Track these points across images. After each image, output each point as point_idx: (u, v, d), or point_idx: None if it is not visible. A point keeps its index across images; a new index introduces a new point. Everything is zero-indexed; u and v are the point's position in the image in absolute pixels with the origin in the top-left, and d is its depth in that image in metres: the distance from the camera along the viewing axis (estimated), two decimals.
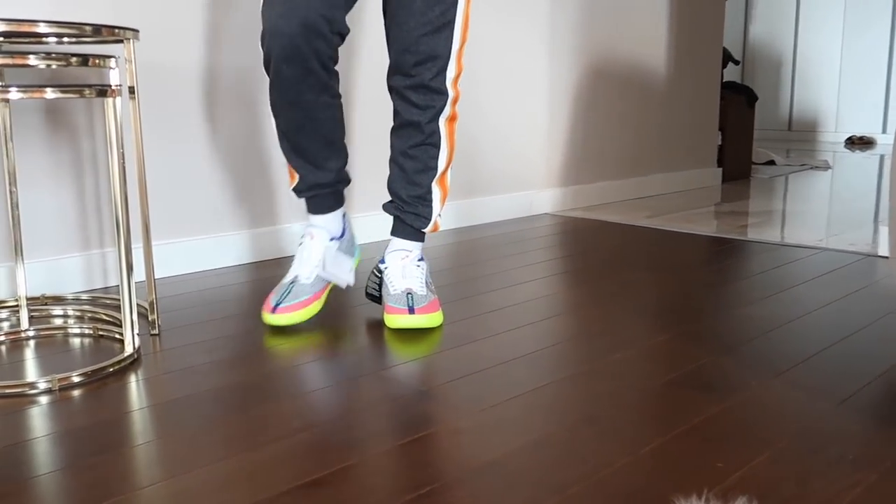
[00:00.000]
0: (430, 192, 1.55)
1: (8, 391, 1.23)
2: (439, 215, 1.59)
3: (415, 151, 1.52)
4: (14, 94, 1.20)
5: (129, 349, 1.37)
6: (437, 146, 1.52)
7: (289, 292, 1.48)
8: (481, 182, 2.74)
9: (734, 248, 2.33)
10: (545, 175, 2.95)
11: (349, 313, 1.65)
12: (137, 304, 1.59)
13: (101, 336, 1.50)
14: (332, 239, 1.52)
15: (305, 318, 1.50)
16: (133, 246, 1.47)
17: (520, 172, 2.84)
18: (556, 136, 2.96)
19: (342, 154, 1.49)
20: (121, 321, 1.53)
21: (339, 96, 1.46)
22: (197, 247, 2.03)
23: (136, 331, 1.40)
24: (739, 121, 3.91)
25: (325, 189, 1.50)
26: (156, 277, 1.66)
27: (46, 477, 0.97)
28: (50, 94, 1.22)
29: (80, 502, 0.91)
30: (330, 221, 1.53)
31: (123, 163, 1.35)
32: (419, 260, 1.57)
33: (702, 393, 1.23)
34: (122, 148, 1.35)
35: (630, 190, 3.31)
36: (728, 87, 3.97)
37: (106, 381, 1.29)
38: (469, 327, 1.55)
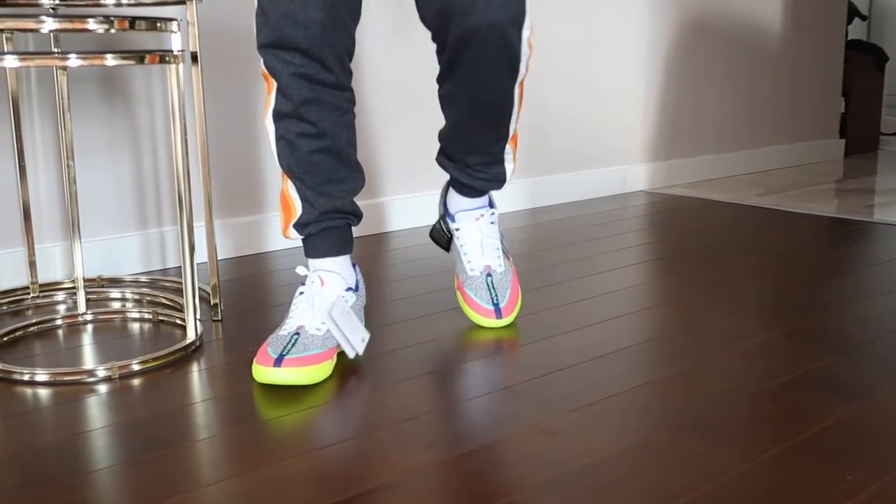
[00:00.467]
0: (501, 152, 1.42)
1: (66, 378, 1.27)
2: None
3: (488, 96, 1.35)
4: (73, 62, 1.23)
5: (190, 336, 1.41)
6: (510, 115, 1.37)
7: (293, 343, 1.24)
8: (565, 156, 2.71)
9: (858, 231, 2.26)
10: (640, 148, 2.90)
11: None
12: (199, 288, 1.62)
13: (161, 321, 1.54)
14: (348, 289, 1.33)
15: (319, 379, 1.24)
16: (194, 224, 1.50)
17: (611, 145, 2.79)
18: (653, 103, 2.90)
19: (359, 174, 1.34)
20: (181, 305, 1.56)
21: (355, 101, 1.36)
22: (263, 225, 2.06)
23: (198, 316, 1.43)
24: (866, 85, 3.78)
25: (336, 220, 1.33)
26: (218, 259, 1.70)
27: (106, 472, 1.00)
28: (110, 60, 1.24)
29: (141, 500, 0.93)
30: (343, 266, 1.35)
31: (185, 134, 1.38)
32: (492, 213, 1.50)
33: (825, 395, 1.19)
34: (184, 119, 1.37)
35: (738, 164, 3.23)
36: (853, 47, 3.83)
37: (167, 369, 1.32)
38: (556, 318, 1.54)
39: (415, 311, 1.58)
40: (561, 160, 2.67)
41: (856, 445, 1.05)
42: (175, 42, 1.35)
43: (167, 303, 1.63)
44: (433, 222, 1.61)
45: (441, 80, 1.34)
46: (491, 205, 1.53)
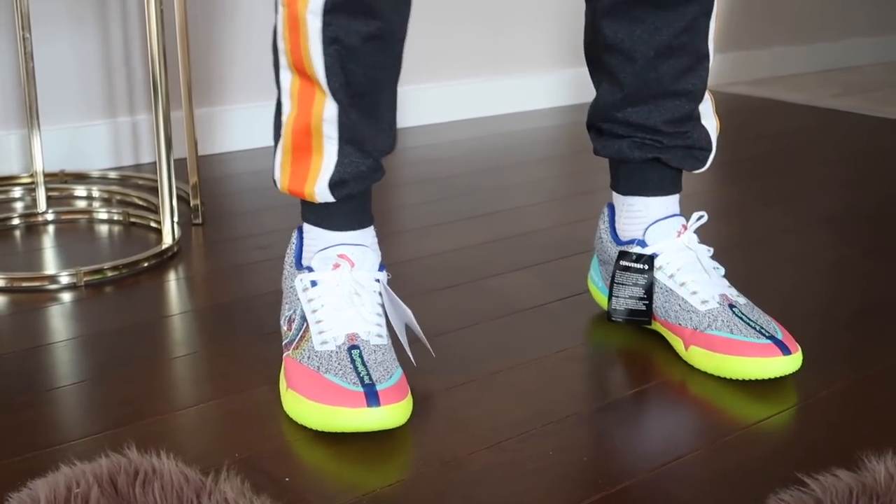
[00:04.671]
0: (702, 92, 1.14)
1: (25, 284, 1.29)
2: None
3: (684, 38, 1.09)
4: None
5: (167, 240, 1.41)
6: (711, 9, 1.11)
7: (364, 363, 0.96)
8: None
9: None
10: None
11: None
12: (177, 187, 1.63)
13: (134, 223, 1.55)
14: (381, 268, 1.07)
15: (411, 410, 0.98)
16: (171, 113, 1.49)
17: None
18: None
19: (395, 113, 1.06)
20: (157, 206, 1.57)
21: None
22: (250, 116, 2.05)
23: (175, 219, 1.44)
24: None
25: (370, 180, 1.04)
26: (199, 154, 1.70)
27: (71, 388, 1.02)
28: None
29: (111, 421, 0.95)
30: (372, 238, 1.08)
31: (161, 6, 1.36)
32: (698, 218, 1.17)
33: None
34: None
35: (813, 59, 3.18)
36: None
37: (140, 277, 1.33)
38: (589, 232, 1.54)
39: (422, 220, 1.59)
40: None
41: None
42: None
43: (140, 203, 1.64)
44: (600, 299, 1.23)
45: None
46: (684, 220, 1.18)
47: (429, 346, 1.07)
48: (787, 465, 0.89)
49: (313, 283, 1.03)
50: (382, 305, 1.03)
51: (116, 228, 1.54)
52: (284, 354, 1.02)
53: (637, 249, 1.14)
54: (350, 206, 1.04)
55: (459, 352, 1.11)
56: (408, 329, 1.07)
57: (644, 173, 1.14)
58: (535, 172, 1.90)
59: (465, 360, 1.09)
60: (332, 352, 0.97)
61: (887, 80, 3.00)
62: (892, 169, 1.96)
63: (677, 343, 1.10)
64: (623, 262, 1.14)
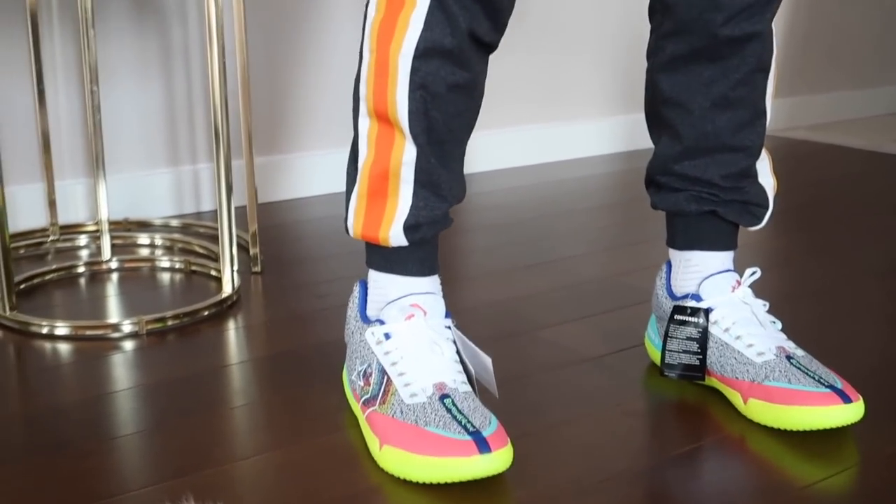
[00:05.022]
0: (759, 148, 1.14)
1: (88, 332, 1.32)
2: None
3: (740, 91, 1.10)
4: None
5: (227, 289, 1.44)
6: (769, 66, 1.12)
7: (461, 412, 0.96)
8: None
9: None
10: None
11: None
12: (237, 235, 1.66)
13: (194, 272, 1.58)
14: (448, 315, 1.07)
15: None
16: (232, 162, 1.52)
17: None
18: (778, 24, 2.83)
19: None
20: (217, 254, 1.60)
21: None
22: (311, 165, 2.08)
23: (235, 267, 1.46)
24: None
25: (442, 225, 1.05)
26: (259, 202, 1.73)
27: (133, 438, 1.04)
28: None
29: (171, 470, 0.97)
30: (439, 286, 1.09)
31: (223, 58, 1.40)
32: (752, 274, 1.17)
33: None
34: (222, 39, 1.39)
35: (878, 103, 3.14)
36: None
37: (200, 325, 1.36)
38: (646, 280, 1.53)
39: (482, 268, 1.59)
40: None
41: None
42: None
43: (201, 251, 1.67)
44: (654, 348, 1.23)
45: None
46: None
47: (495, 393, 1.08)
48: None
49: (387, 336, 1.03)
50: (458, 352, 1.04)
51: (178, 276, 1.57)
52: (367, 412, 1.02)
53: (692, 303, 1.14)
54: (421, 251, 1.05)
55: (515, 404, 1.11)
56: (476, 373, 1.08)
57: (700, 227, 1.15)
58: (590, 220, 1.90)
59: (520, 412, 1.09)
60: (424, 403, 0.97)
61: None
62: None
63: (735, 397, 1.10)
64: (678, 317, 1.14)
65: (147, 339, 1.31)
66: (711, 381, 1.14)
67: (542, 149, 2.44)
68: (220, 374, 1.21)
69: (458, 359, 1.03)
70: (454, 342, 1.04)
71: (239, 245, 1.66)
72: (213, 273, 1.55)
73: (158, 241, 1.73)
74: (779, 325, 1.14)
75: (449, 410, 0.96)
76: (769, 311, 1.16)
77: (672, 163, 1.14)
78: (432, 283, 1.07)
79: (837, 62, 3.03)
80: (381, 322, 1.04)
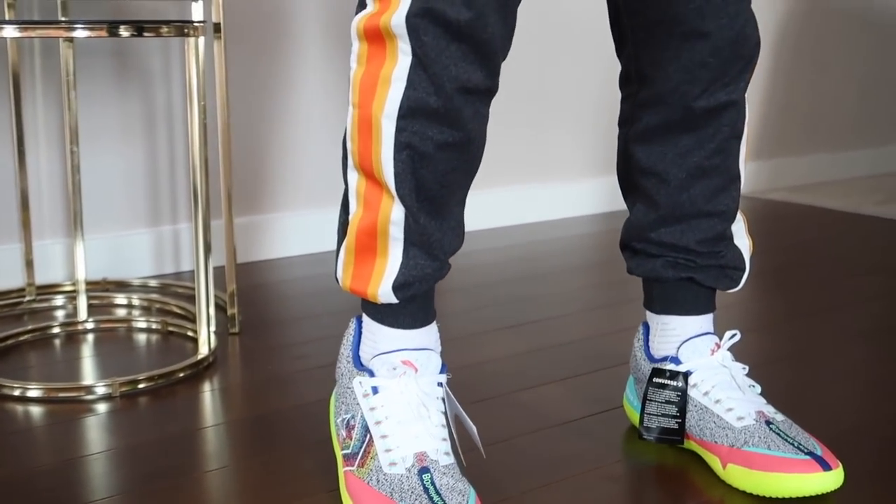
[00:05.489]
0: (735, 212, 1.15)
1: (62, 395, 1.31)
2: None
3: (715, 160, 1.10)
4: (81, 32, 1.27)
5: (203, 350, 1.43)
6: (742, 132, 1.12)
7: (437, 491, 0.94)
8: None
9: None
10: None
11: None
12: (215, 295, 1.65)
13: (171, 332, 1.58)
14: (443, 369, 1.04)
15: None
16: (211, 222, 1.53)
17: None
18: (757, 91, 2.87)
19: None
20: (194, 315, 1.59)
21: None
22: (290, 225, 2.09)
23: (212, 328, 1.45)
24: None
25: (435, 280, 1.02)
26: (238, 262, 1.73)
27: (104, 503, 1.02)
28: (123, 31, 1.28)
29: None
30: (435, 337, 1.06)
31: (204, 119, 1.41)
32: (731, 337, 1.17)
33: None
34: (203, 101, 1.40)
35: (855, 165, 3.18)
36: None
37: (175, 387, 1.35)
38: (625, 343, 1.53)
39: (454, 331, 1.59)
40: None
41: None
42: (196, 11, 1.38)
43: (178, 311, 1.67)
44: (632, 411, 1.23)
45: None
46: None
47: (482, 451, 1.06)
48: None
49: (374, 390, 1.01)
50: (445, 413, 1.02)
51: (154, 337, 1.56)
52: (346, 468, 1.01)
53: (671, 366, 1.13)
54: (413, 305, 1.02)
55: (491, 469, 1.11)
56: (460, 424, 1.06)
57: (678, 292, 1.15)
58: (570, 281, 1.91)
59: (497, 477, 1.09)
60: (402, 476, 0.95)
61: None
62: None
63: (714, 462, 1.09)
64: (656, 380, 1.14)
65: (120, 402, 1.30)
66: (690, 445, 1.13)
67: (521, 210, 2.45)
68: (195, 437, 1.19)
69: (444, 422, 1.01)
70: (442, 401, 1.02)
71: (217, 306, 1.66)
72: (190, 334, 1.54)
73: (136, 302, 1.72)
74: (758, 388, 1.14)
75: (426, 490, 0.94)
76: (748, 375, 1.16)
77: (648, 230, 1.14)
78: (426, 335, 1.03)
79: (816, 127, 3.07)
80: (371, 373, 1.02)
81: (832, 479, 1.02)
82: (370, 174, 0.97)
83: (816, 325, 1.64)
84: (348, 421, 1.02)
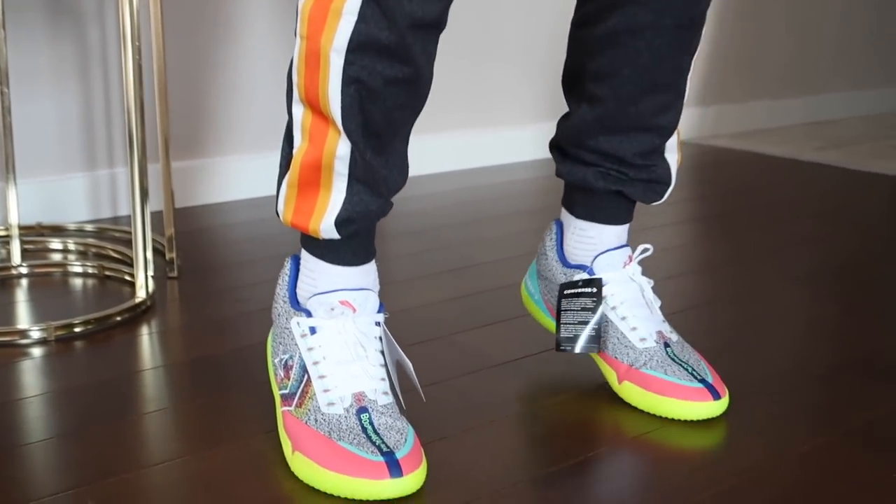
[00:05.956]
0: (674, 127, 1.14)
1: None
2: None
3: (671, 76, 1.11)
4: None
5: (140, 294, 1.42)
6: (696, 51, 1.11)
7: (376, 431, 0.95)
8: None
9: None
10: None
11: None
12: (153, 240, 1.63)
13: (108, 277, 1.55)
14: (380, 308, 1.05)
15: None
16: (149, 166, 1.50)
17: None
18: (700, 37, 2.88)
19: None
20: (132, 259, 1.57)
21: None
22: (229, 169, 2.06)
23: (150, 272, 1.44)
24: None
25: (378, 216, 1.01)
26: (175, 206, 1.70)
27: (39, 446, 1.01)
28: None
29: (75, 480, 0.95)
30: (374, 276, 1.06)
31: (139, 60, 1.38)
32: (643, 251, 1.19)
33: (878, 382, 1.20)
34: (138, 41, 1.37)
35: (796, 112, 3.21)
36: None
37: (112, 331, 1.33)
38: None
39: (401, 274, 1.59)
40: None
41: None
42: None
43: (115, 256, 1.64)
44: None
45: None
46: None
47: (421, 394, 1.07)
48: None
49: (312, 330, 1.00)
50: (382, 352, 1.02)
51: (91, 282, 1.54)
52: (284, 408, 1.00)
53: (583, 276, 1.15)
54: (355, 242, 1.01)
55: (429, 409, 1.11)
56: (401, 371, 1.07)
57: (604, 202, 1.16)
58: (513, 226, 1.91)
59: (435, 417, 1.09)
60: (340, 416, 0.95)
61: (866, 134, 3.03)
62: (871, 224, 1.98)
63: (611, 375, 1.13)
64: (569, 291, 1.15)
65: (56, 346, 1.28)
66: (591, 353, 1.16)
67: (470, 155, 2.44)
68: (132, 381, 1.18)
69: (382, 362, 1.01)
70: (380, 340, 1.02)
71: (156, 250, 1.64)
72: (128, 278, 1.52)
73: (71, 246, 1.69)
74: (659, 302, 1.16)
75: (364, 429, 0.94)
76: (653, 289, 1.17)
77: (587, 136, 1.13)
78: (366, 273, 1.03)
79: (757, 75, 3.09)
80: (308, 313, 1.01)
81: (719, 407, 1.09)
82: (316, 108, 0.95)
83: (756, 268, 1.66)
84: (286, 361, 1.02)
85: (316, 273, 1.02)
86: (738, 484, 0.96)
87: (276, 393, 1.04)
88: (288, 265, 1.06)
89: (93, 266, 1.57)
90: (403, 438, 0.94)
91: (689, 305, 1.45)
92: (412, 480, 0.92)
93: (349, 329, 1.00)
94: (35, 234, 1.76)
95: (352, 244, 1.01)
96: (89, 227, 1.82)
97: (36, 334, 1.29)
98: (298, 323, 1.01)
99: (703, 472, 0.98)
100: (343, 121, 0.93)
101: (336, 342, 0.99)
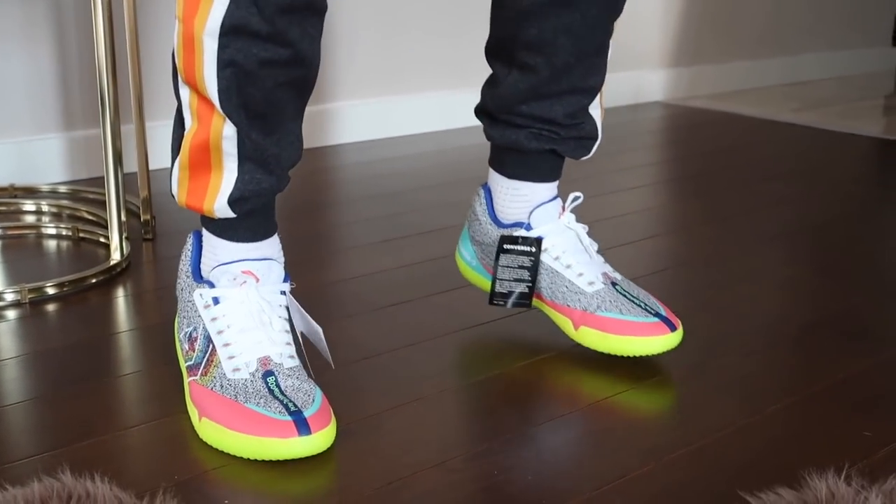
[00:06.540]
0: (600, 86, 1.16)
1: None
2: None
3: (601, 39, 1.12)
4: None
5: (115, 256, 1.40)
6: (621, 12, 1.14)
7: (283, 392, 0.94)
8: None
9: None
10: (657, 51, 2.87)
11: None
12: (127, 201, 1.61)
13: (82, 239, 1.54)
14: (286, 279, 1.04)
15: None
16: (123, 127, 1.49)
17: (623, 47, 2.77)
18: (671, 1, 2.87)
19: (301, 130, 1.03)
20: (106, 221, 1.56)
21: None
22: None
23: (124, 234, 1.43)
24: None
25: (273, 193, 1.01)
26: (150, 168, 1.68)
27: (14, 408, 1.01)
28: None
29: (49, 443, 0.94)
30: (277, 248, 1.05)
31: (110, 18, 1.36)
32: (574, 200, 1.20)
33: (850, 342, 1.21)
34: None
35: (771, 73, 3.21)
36: None
37: (87, 294, 1.32)
38: None
39: (374, 236, 1.58)
40: None
41: (878, 399, 1.07)
42: None
43: (90, 218, 1.63)
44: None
45: None
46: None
47: (331, 362, 1.06)
48: (730, 482, 0.89)
49: (216, 300, 1.00)
50: (289, 320, 1.02)
51: (65, 244, 1.53)
52: (189, 378, 1.00)
53: (522, 233, 1.16)
54: (251, 220, 1.01)
55: (406, 370, 1.11)
56: (306, 340, 1.07)
57: (536, 161, 1.16)
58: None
59: (412, 378, 1.09)
60: (246, 380, 0.95)
61: (842, 96, 3.04)
62: (847, 185, 1.99)
63: (566, 324, 1.15)
64: (508, 246, 1.16)
65: (30, 308, 1.27)
66: (541, 306, 1.18)
67: (444, 116, 2.43)
68: (108, 343, 1.18)
69: (287, 328, 1.00)
70: (286, 308, 1.02)
71: (130, 212, 1.62)
72: (102, 240, 1.51)
73: (45, 208, 1.68)
74: (596, 246, 1.18)
75: (271, 391, 0.94)
76: (588, 234, 1.19)
77: (518, 103, 1.13)
78: (267, 246, 1.03)
79: (733, 35, 3.08)
80: (211, 285, 1.01)
81: (675, 338, 1.11)
82: (196, 90, 0.95)
83: (732, 228, 1.67)
84: (190, 334, 1.02)
85: (217, 249, 1.02)
86: (710, 443, 0.97)
87: (183, 366, 1.03)
88: (190, 241, 1.06)
89: (67, 228, 1.56)
90: (311, 399, 0.94)
91: (665, 266, 1.46)
92: (321, 438, 0.91)
93: (252, 298, 0.99)
94: (8, 196, 1.74)
95: (249, 222, 1.01)
96: (63, 189, 1.80)
97: (9, 297, 1.28)
98: (201, 294, 1.01)
99: (675, 432, 0.99)
100: (221, 104, 0.93)
101: (240, 311, 0.99)
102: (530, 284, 1.15)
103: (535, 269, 1.15)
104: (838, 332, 1.24)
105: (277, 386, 0.95)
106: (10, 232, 1.56)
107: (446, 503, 0.86)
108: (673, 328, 1.11)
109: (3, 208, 1.67)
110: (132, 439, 0.96)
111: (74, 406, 1.02)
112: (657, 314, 1.11)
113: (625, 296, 1.13)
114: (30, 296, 1.28)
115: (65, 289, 1.31)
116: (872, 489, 0.83)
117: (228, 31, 0.90)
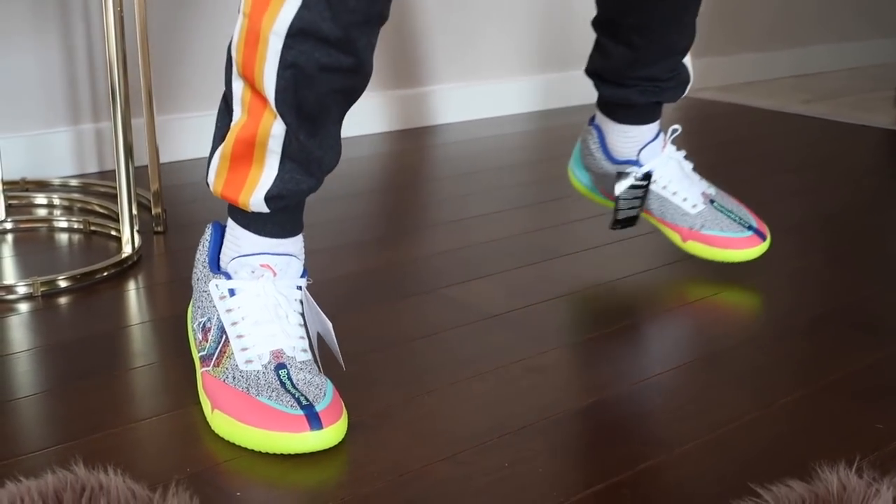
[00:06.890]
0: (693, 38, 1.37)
1: None
2: None
3: (693, 13, 1.31)
4: None
5: (126, 249, 1.41)
6: None
7: (294, 385, 0.95)
8: (574, 52, 2.68)
9: None
10: None
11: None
12: (138, 195, 1.62)
13: (94, 232, 1.54)
14: (303, 274, 1.05)
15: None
16: (133, 121, 1.49)
17: None
18: None
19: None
20: (118, 215, 1.56)
21: None
22: (213, 124, 2.04)
23: (136, 227, 1.43)
24: None
25: (308, 194, 1.01)
26: (161, 161, 1.69)
27: (27, 401, 1.01)
28: None
29: (62, 435, 0.95)
30: (300, 246, 1.06)
31: (120, 11, 1.36)
32: (673, 132, 1.42)
33: (861, 334, 1.21)
34: None
35: (781, 65, 3.20)
36: None
37: (98, 287, 1.32)
38: (554, 239, 1.54)
39: (391, 229, 1.58)
40: (576, 55, 2.64)
41: (889, 391, 1.06)
42: None
43: (101, 211, 1.63)
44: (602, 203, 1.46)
45: None
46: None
47: (341, 361, 1.06)
48: (742, 475, 0.89)
49: (231, 292, 1.00)
50: (303, 314, 1.03)
51: (77, 237, 1.53)
52: (202, 369, 1.00)
53: (635, 170, 1.37)
54: (283, 216, 1.02)
55: (418, 362, 1.11)
56: (322, 339, 1.07)
57: (644, 110, 1.37)
58: (502, 179, 1.90)
59: (424, 370, 1.09)
60: (258, 372, 0.96)
61: (852, 87, 3.02)
62: (857, 176, 1.98)
63: (675, 236, 1.39)
64: (626, 181, 1.37)
65: (43, 301, 1.27)
66: (652, 220, 1.41)
67: (458, 108, 2.43)
68: (120, 336, 1.18)
69: (301, 322, 1.01)
70: (301, 303, 1.02)
71: (141, 205, 1.62)
72: (114, 233, 1.51)
73: (57, 202, 1.68)
74: (692, 164, 1.41)
75: (283, 384, 0.94)
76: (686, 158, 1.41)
77: (626, 69, 1.32)
78: (292, 244, 1.03)
79: (743, 27, 3.07)
80: (228, 276, 1.01)
81: (765, 246, 1.37)
82: (252, 86, 0.95)
83: None
84: (204, 324, 1.02)
85: (241, 241, 1.03)
86: (721, 435, 0.96)
87: (196, 356, 1.03)
88: (209, 232, 1.06)
89: (78, 221, 1.56)
90: (322, 392, 0.94)
91: (677, 258, 1.45)
92: (332, 433, 0.92)
93: (269, 291, 1.00)
94: (20, 190, 1.74)
95: (279, 217, 1.02)
96: (74, 183, 1.80)
97: (22, 290, 1.28)
98: (217, 285, 1.01)
99: (686, 424, 0.99)
100: (276, 103, 0.93)
101: (255, 304, 0.99)
102: (639, 209, 1.39)
103: (645, 196, 1.38)
104: (850, 323, 1.24)
105: (289, 379, 0.95)
106: (21, 225, 1.56)
107: (456, 495, 0.86)
108: (763, 238, 1.36)
109: (14, 202, 1.67)
110: (144, 431, 0.96)
111: (87, 398, 1.02)
112: (750, 227, 1.36)
113: (722, 212, 1.36)
114: (42, 289, 1.29)
115: (76, 282, 1.32)
116: (884, 481, 0.83)
117: (296, 33, 0.89)
